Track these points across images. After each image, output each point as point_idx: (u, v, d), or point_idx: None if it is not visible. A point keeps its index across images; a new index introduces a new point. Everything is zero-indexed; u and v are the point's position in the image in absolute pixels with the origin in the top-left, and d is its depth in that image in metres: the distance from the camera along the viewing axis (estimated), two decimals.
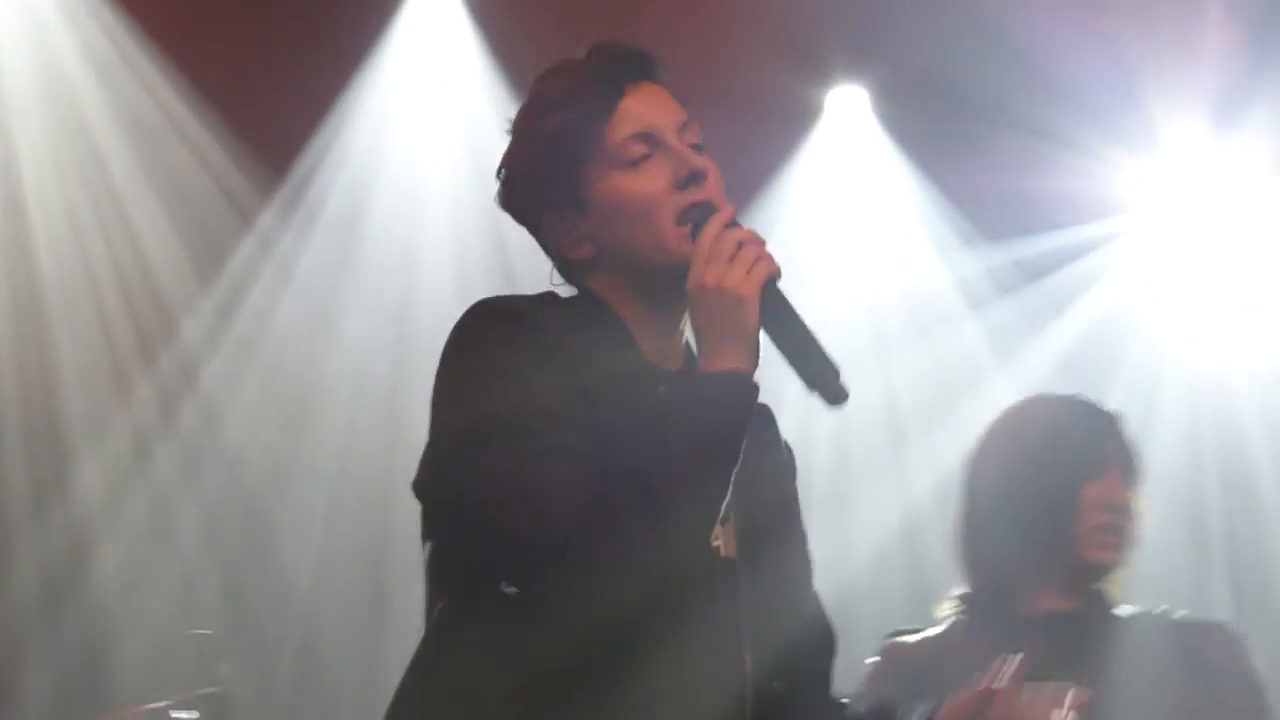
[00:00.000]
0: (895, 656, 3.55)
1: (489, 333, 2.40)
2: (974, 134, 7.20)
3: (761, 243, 2.36)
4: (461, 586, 2.39)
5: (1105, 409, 3.63)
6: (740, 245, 2.33)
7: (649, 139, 2.44)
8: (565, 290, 2.54)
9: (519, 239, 7.43)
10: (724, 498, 2.28)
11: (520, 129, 2.56)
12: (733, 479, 2.29)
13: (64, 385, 6.74)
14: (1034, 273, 7.63)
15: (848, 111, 7.66)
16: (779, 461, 2.62)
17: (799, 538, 2.62)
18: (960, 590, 3.61)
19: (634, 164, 2.43)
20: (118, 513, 6.82)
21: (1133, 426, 3.61)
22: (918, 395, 7.68)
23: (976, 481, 3.61)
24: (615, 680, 2.27)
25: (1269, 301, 7.54)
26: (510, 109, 7.72)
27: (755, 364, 2.32)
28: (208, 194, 6.93)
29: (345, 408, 7.10)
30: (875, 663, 3.55)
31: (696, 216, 2.40)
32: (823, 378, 2.36)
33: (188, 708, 5.55)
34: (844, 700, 2.66)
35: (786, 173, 7.69)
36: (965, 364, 7.66)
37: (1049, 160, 7.09)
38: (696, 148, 2.49)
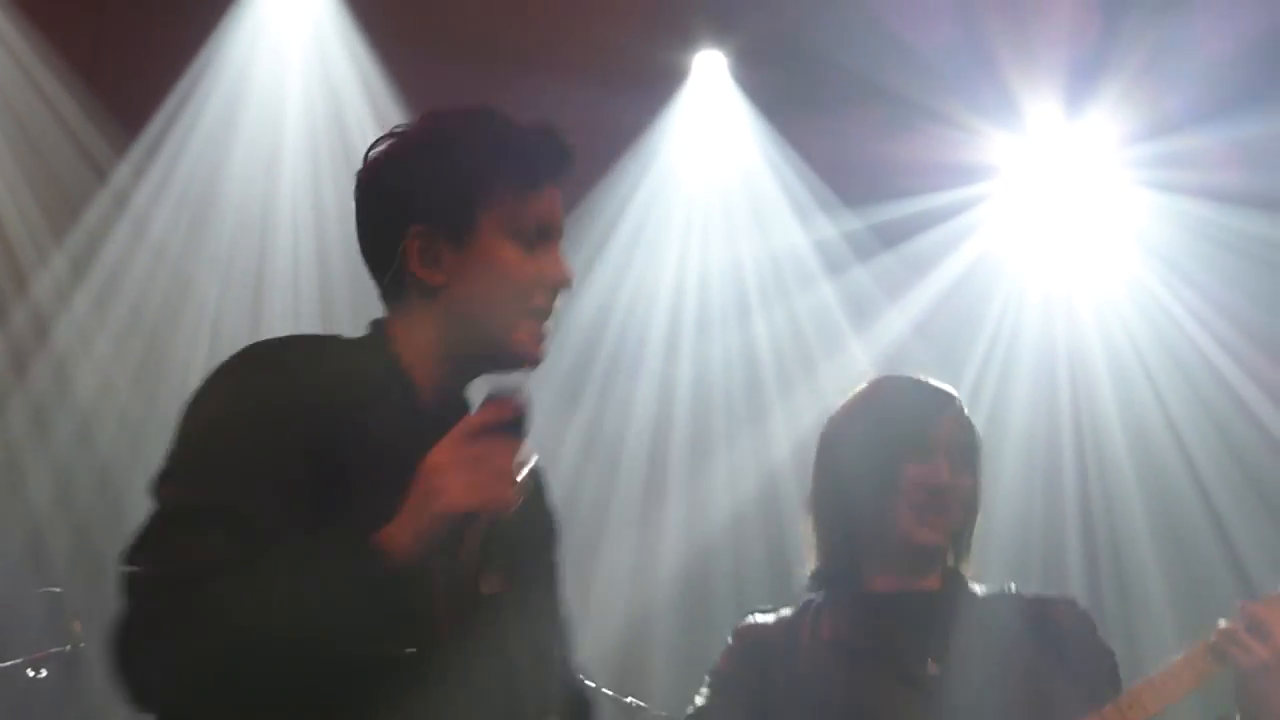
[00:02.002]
0: (749, 638, 3.54)
1: (225, 409, 2.41)
2: (833, 100, 7.24)
3: (505, 480, 2.31)
4: None
5: (942, 390, 3.63)
6: (477, 460, 2.29)
7: (547, 232, 2.56)
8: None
9: None
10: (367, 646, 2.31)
11: (443, 133, 2.57)
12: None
13: None
14: (892, 238, 7.68)
15: (711, 74, 7.68)
16: (543, 523, 2.74)
17: (554, 598, 2.71)
18: (812, 567, 3.64)
19: (528, 242, 2.53)
20: None
21: (974, 404, 3.63)
22: (777, 357, 7.72)
23: (822, 458, 3.63)
24: None
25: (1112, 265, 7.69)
26: (369, 68, 7.61)
27: (420, 552, 2.28)
28: (61, 147, 6.82)
29: (199, 367, 7.02)
30: (730, 645, 3.54)
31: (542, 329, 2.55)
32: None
33: (39, 666, 5.47)
34: None
35: (653, 133, 7.72)
36: (824, 327, 7.71)
37: (907, 128, 7.14)
38: None
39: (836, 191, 7.70)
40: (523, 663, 2.51)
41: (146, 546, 2.35)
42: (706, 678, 3.52)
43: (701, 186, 7.90)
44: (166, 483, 2.39)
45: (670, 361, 7.82)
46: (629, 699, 5.55)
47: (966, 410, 3.62)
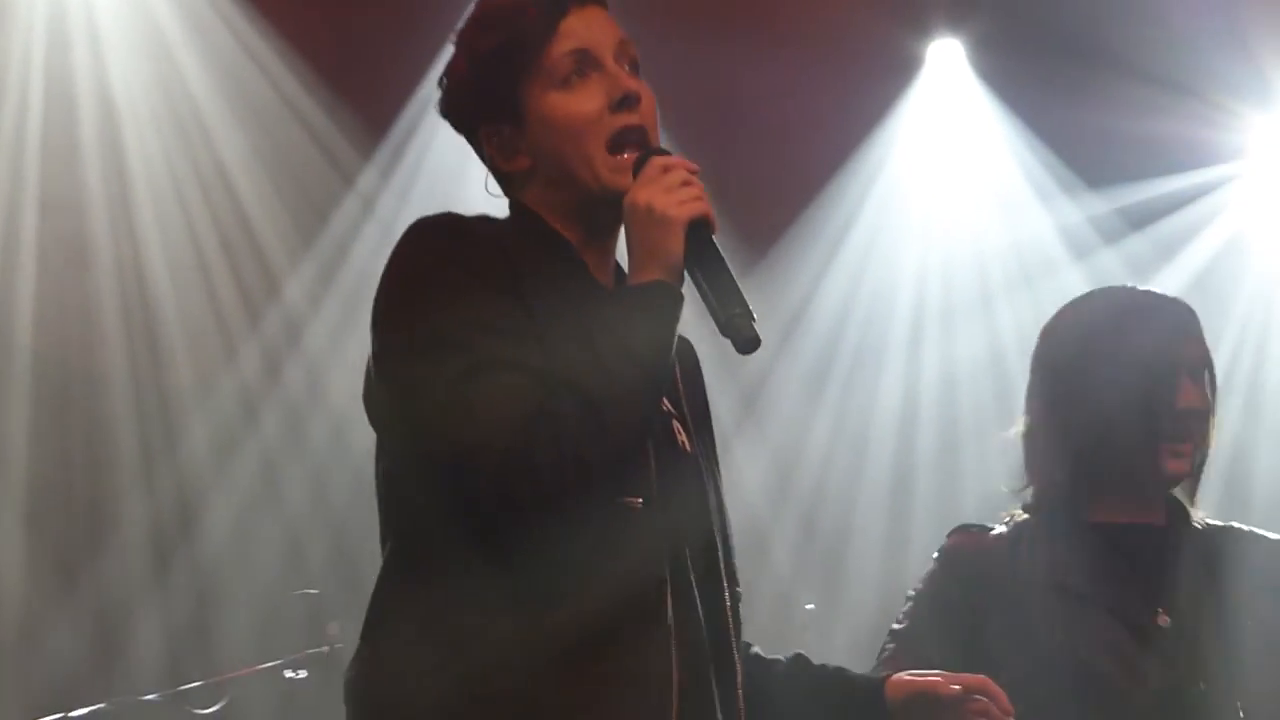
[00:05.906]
0: (961, 563, 3.36)
1: (430, 248, 2.43)
2: (1074, 82, 7.16)
3: (701, 186, 2.39)
4: (410, 525, 2.41)
5: (1186, 305, 3.34)
6: (684, 182, 2.38)
7: (586, 58, 2.49)
8: (500, 208, 2.61)
9: None
10: (657, 396, 2.36)
11: (463, 41, 2.58)
12: (667, 381, 2.39)
13: (171, 348, 6.78)
14: (1139, 220, 7.54)
15: (947, 63, 7.66)
16: (704, 397, 2.69)
17: (718, 471, 2.67)
18: (1024, 487, 3.39)
19: (569, 82, 2.49)
20: (225, 473, 6.85)
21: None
22: (1023, 347, 7.60)
23: (1066, 375, 3.38)
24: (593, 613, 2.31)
25: None
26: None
27: (678, 280, 2.36)
28: (309, 154, 6.94)
29: None
30: (938, 568, 3.38)
31: (632, 144, 2.47)
32: (739, 322, 2.36)
33: (298, 667, 5.57)
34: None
35: (889, 122, 7.70)
36: None
37: (1154, 107, 7.01)
38: (634, 67, 2.55)
39: (1080, 175, 7.59)
40: (718, 522, 2.52)
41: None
42: (911, 598, 3.36)
43: (941, 175, 7.84)
44: (391, 335, 2.39)
45: (914, 355, 7.75)
46: None
47: None
